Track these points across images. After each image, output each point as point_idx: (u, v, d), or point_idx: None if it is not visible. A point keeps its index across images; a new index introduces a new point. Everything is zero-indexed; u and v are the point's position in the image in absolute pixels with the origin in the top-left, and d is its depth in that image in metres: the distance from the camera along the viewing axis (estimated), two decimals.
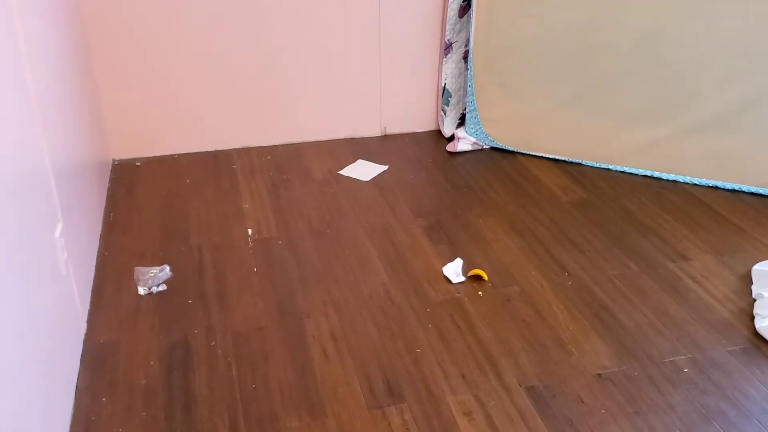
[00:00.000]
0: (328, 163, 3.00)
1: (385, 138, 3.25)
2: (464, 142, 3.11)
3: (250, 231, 2.47)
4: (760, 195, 2.69)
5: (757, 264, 2.22)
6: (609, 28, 2.75)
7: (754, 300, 2.08)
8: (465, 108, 3.14)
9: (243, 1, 2.84)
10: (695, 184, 2.78)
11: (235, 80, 2.98)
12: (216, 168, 2.95)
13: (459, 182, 2.85)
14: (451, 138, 3.18)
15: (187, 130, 3.03)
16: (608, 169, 2.91)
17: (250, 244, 2.39)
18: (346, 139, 3.23)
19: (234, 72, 2.97)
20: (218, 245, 2.39)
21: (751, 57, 2.56)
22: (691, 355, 1.88)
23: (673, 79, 2.71)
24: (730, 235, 2.45)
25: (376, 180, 2.86)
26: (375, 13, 3.01)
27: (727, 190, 2.74)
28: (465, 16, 3.06)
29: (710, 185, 2.77)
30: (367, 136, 3.26)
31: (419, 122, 3.29)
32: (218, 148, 3.10)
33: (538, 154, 3.02)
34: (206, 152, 3.09)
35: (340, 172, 2.93)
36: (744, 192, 2.72)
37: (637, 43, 2.72)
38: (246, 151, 3.10)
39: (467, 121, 3.13)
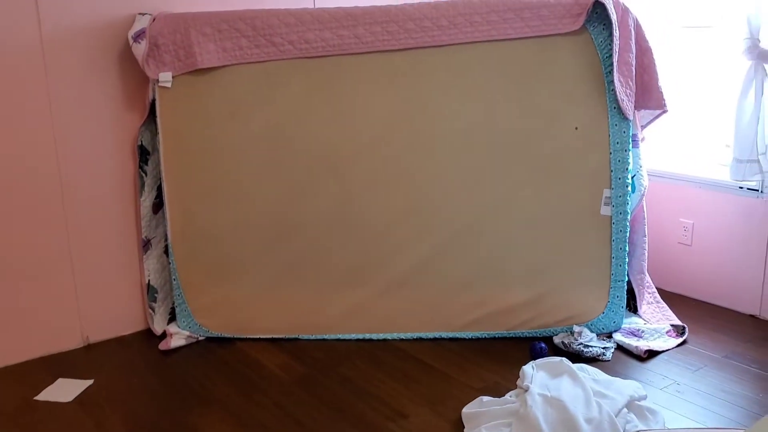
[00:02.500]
0: (21, 389, 2.63)
1: (89, 348, 2.98)
2: (178, 338, 2.98)
3: None
4: (458, 339, 2.96)
5: (465, 407, 2.39)
6: (300, 206, 2.94)
7: None
8: (174, 302, 3.05)
9: None
10: (402, 339, 2.97)
11: None
12: None
13: (176, 382, 2.68)
14: (164, 335, 3.03)
15: None
16: (324, 339, 2.99)
17: None
18: (41, 357, 2.89)
19: None
20: None
21: (425, 219, 2.91)
22: None
23: (365, 244, 2.94)
24: (438, 384, 2.61)
25: (80, 398, 2.57)
26: (60, 216, 2.85)
27: (430, 339, 2.96)
28: (159, 212, 3.04)
29: (415, 337, 2.97)
30: (66, 349, 2.95)
31: (126, 324, 3.09)
32: None
33: (255, 336, 3.01)
34: None
35: (36, 397, 2.58)
36: (444, 338, 2.96)
37: (328, 217, 2.93)
38: None
39: (178, 315, 3.02)
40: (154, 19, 2.87)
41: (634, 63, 2.82)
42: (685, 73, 3.34)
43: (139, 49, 2.83)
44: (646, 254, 3.09)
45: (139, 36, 2.84)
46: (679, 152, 3.40)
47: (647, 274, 3.12)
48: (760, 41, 2.84)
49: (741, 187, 3.07)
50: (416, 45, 2.84)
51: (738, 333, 2.97)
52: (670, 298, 3.24)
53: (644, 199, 3.02)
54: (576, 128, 2.84)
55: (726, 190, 3.13)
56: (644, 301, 3.09)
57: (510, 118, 2.86)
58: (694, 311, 3.18)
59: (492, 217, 2.90)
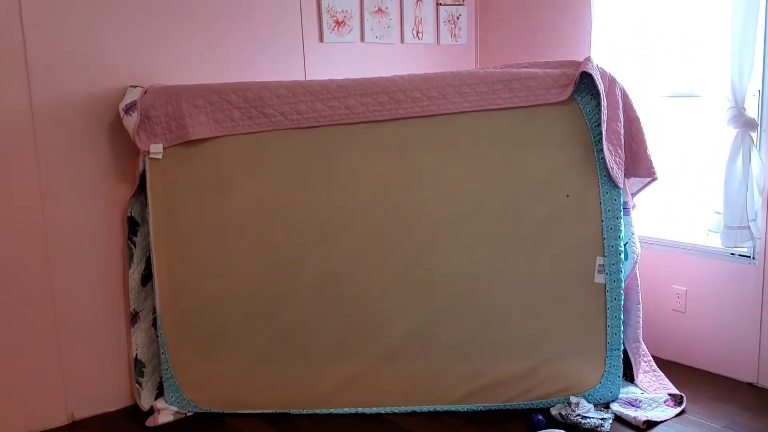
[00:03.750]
0: None
1: (74, 425, 2.89)
2: (165, 413, 2.89)
3: None
4: (453, 412, 2.89)
5: None
6: (291, 277, 2.90)
7: None
8: (162, 376, 2.97)
9: None
10: (395, 413, 2.89)
11: None
12: None
13: None
14: (151, 411, 2.94)
15: None
16: (316, 413, 2.91)
17: None
18: None
19: None
20: None
21: (416, 289, 2.87)
22: None
23: (355, 316, 2.90)
24: None
25: None
26: (46, 288, 2.80)
27: (424, 413, 2.89)
28: (148, 284, 2.99)
29: (408, 411, 2.89)
30: (50, 427, 2.85)
31: (112, 400, 3.00)
32: None
33: (245, 411, 2.92)
34: None
35: None
36: (439, 412, 2.89)
37: (318, 287, 2.89)
38: None
39: (166, 390, 2.94)
40: (145, 92, 2.88)
41: (622, 132, 2.84)
42: (673, 142, 3.38)
43: (130, 121, 2.83)
44: (641, 322, 3.06)
45: (130, 108, 2.85)
46: (670, 219, 3.41)
47: (642, 343, 3.09)
48: (745, 110, 2.88)
49: (733, 254, 3.07)
50: (407, 115, 2.86)
51: (736, 402, 2.92)
52: (665, 366, 3.20)
53: (637, 266, 3.01)
54: (567, 196, 2.85)
55: (718, 257, 3.13)
56: (641, 370, 3.05)
57: (501, 186, 2.86)
58: (690, 379, 3.13)
59: (484, 286, 2.87)
